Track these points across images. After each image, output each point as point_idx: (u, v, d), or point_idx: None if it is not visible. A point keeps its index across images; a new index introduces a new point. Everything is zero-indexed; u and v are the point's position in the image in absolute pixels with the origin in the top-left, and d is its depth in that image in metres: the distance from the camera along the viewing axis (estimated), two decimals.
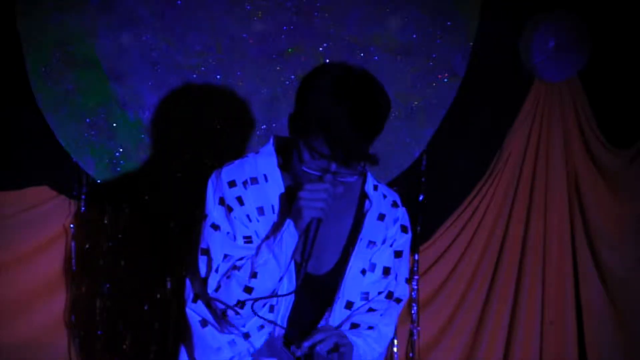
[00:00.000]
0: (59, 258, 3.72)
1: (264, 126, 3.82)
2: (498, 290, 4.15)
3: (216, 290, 2.50)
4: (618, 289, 4.23)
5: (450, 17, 4.00)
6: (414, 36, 3.97)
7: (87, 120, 3.72)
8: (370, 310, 2.63)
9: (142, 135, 3.76)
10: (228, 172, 2.58)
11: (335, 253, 2.61)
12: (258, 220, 2.55)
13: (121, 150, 3.75)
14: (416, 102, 4.00)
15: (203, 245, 2.54)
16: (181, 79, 3.76)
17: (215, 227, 2.54)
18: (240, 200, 2.54)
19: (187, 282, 2.62)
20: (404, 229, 2.70)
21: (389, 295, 2.67)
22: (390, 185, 3.63)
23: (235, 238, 2.52)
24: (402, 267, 2.72)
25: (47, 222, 3.70)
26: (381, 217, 2.64)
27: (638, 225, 4.25)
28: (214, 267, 2.51)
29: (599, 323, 4.22)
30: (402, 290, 2.71)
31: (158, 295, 3.76)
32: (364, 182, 2.66)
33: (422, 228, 4.02)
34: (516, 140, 4.15)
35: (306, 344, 2.44)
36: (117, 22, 3.69)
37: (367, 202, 2.64)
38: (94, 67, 3.70)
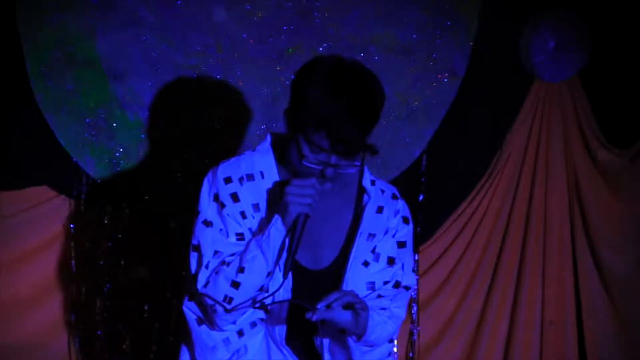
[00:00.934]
0: (59, 258, 3.72)
1: (264, 126, 3.82)
2: (498, 290, 4.15)
3: (205, 286, 2.50)
4: (618, 289, 4.23)
5: (450, 17, 4.00)
6: (414, 36, 3.97)
7: (87, 120, 3.72)
8: (379, 297, 2.62)
9: (142, 135, 3.76)
10: (224, 168, 2.58)
11: (334, 248, 2.61)
12: (253, 217, 2.55)
13: (121, 150, 3.75)
14: (416, 102, 4.00)
15: (194, 242, 2.55)
16: (181, 79, 3.76)
17: (208, 223, 2.54)
18: (235, 197, 2.54)
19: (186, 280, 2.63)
20: (405, 220, 2.71)
21: (397, 285, 2.66)
22: None
23: (227, 235, 2.53)
24: (408, 257, 2.72)
25: (47, 222, 3.70)
26: (380, 209, 2.65)
27: (638, 225, 4.25)
28: (204, 263, 2.51)
29: (599, 323, 4.22)
30: (409, 279, 2.71)
31: (158, 295, 3.76)
32: (361, 177, 2.67)
33: (422, 228, 4.02)
34: (516, 140, 4.15)
35: (321, 305, 2.41)
36: (117, 22, 3.69)
37: (365, 196, 2.65)
38: (94, 67, 3.70)
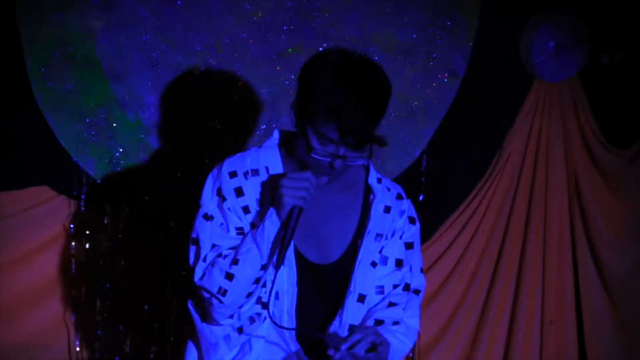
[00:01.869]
0: (59, 258, 3.72)
1: (264, 126, 3.83)
2: (498, 290, 4.15)
3: (201, 278, 2.50)
4: (618, 289, 4.23)
5: (450, 17, 4.00)
6: (414, 36, 3.97)
7: (87, 120, 3.72)
8: (391, 305, 2.62)
9: (142, 135, 3.76)
10: (230, 163, 2.59)
11: (341, 244, 2.60)
12: (257, 212, 2.55)
13: (121, 150, 3.75)
14: (416, 102, 4.00)
15: (193, 235, 2.55)
16: (181, 79, 3.76)
17: (208, 217, 2.55)
18: (239, 191, 2.54)
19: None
20: (411, 220, 2.71)
21: (406, 288, 2.66)
22: None
23: (228, 229, 2.53)
24: (416, 258, 2.72)
25: (47, 222, 3.70)
26: (387, 209, 2.65)
27: (638, 225, 4.25)
28: (202, 256, 2.51)
29: (599, 323, 4.22)
30: (418, 281, 2.72)
31: (158, 295, 3.76)
32: (367, 175, 2.67)
33: (421, 228, 4.01)
34: (516, 140, 4.15)
35: (344, 347, 2.43)
36: (117, 22, 3.69)
37: (371, 195, 2.65)
38: (94, 67, 3.70)
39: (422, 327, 4.02)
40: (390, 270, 2.64)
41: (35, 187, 3.68)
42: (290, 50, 3.84)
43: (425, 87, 4.01)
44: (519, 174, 4.16)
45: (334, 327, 2.57)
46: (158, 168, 3.76)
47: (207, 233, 2.53)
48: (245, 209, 2.54)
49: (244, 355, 2.56)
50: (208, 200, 2.57)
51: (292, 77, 3.81)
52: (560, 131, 4.18)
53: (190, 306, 2.61)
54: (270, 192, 2.54)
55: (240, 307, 2.51)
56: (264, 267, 2.48)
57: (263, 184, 2.56)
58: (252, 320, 2.55)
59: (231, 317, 2.52)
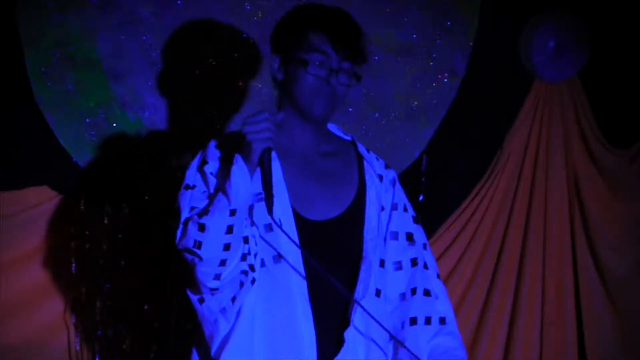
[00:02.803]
0: (59, 258, 3.71)
1: None
2: (498, 290, 4.14)
3: (180, 239, 2.50)
4: (618, 289, 4.23)
5: (450, 17, 4.00)
6: (414, 36, 3.97)
7: (87, 120, 3.72)
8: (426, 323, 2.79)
9: (142, 135, 3.76)
10: (217, 140, 2.59)
11: (342, 202, 2.61)
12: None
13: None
14: (416, 102, 4.00)
15: (175, 207, 2.55)
16: (181, 79, 3.76)
17: (189, 187, 2.55)
18: (223, 159, 2.52)
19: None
20: (394, 183, 2.76)
21: (425, 265, 2.76)
22: None
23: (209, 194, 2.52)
24: (429, 259, 2.79)
25: (47, 222, 3.70)
26: (380, 177, 2.70)
27: (638, 225, 4.25)
28: (182, 220, 2.50)
29: (599, 323, 4.22)
30: (428, 256, 2.80)
31: (158, 295, 3.76)
32: (356, 146, 2.72)
33: (421, 228, 4.01)
34: (516, 140, 4.15)
35: None
36: (117, 22, 3.69)
37: (364, 162, 2.69)
38: (94, 67, 3.70)
39: None
40: (403, 246, 2.70)
41: (35, 187, 3.68)
42: None
43: (425, 87, 4.01)
44: (519, 174, 4.16)
45: (357, 294, 2.54)
46: (158, 168, 3.76)
47: (186, 199, 2.53)
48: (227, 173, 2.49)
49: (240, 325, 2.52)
50: (191, 174, 2.57)
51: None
52: (560, 131, 4.18)
53: (189, 292, 2.57)
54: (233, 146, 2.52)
55: (224, 265, 2.45)
56: (232, 212, 2.42)
57: None
58: (241, 284, 2.50)
59: (217, 278, 2.46)
